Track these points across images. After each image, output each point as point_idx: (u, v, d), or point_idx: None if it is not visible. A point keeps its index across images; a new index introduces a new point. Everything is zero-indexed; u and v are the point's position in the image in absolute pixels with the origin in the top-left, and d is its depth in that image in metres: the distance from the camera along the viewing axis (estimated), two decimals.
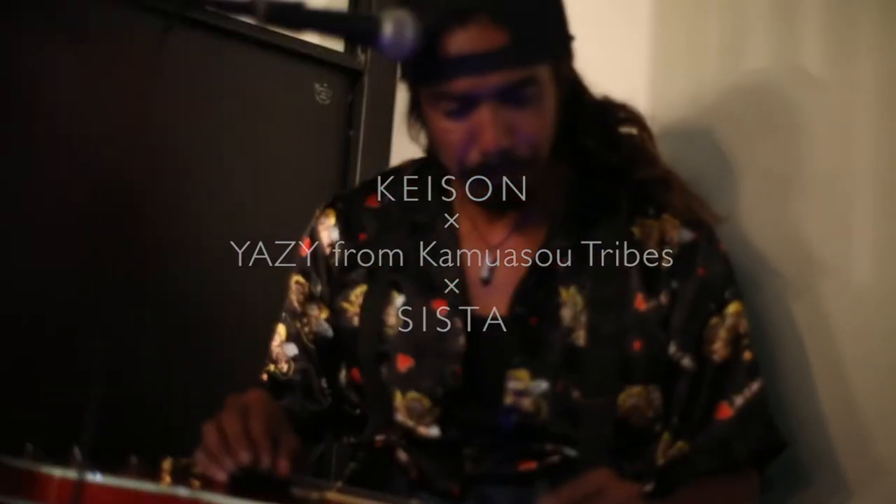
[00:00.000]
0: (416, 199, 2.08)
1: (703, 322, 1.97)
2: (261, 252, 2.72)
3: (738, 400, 1.96)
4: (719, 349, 1.97)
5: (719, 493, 1.96)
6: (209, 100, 2.70)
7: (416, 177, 2.11)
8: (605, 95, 2.07)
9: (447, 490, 1.92)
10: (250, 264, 2.73)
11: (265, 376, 2.15)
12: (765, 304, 2.16)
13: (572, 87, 1.98)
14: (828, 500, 2.09)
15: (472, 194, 1.95)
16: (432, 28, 1.79)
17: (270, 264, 2.54)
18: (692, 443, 1.95)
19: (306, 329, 2.11)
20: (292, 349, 2.13)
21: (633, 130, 2.07)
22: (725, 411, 1.96)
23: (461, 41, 1.80)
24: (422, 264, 2.01)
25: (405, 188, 2.10)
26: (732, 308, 1.99)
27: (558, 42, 1.92)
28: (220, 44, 2.71)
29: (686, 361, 1.95)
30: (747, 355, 1.98)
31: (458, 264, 2.00)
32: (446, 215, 2.04)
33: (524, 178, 1.89)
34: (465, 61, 1.81)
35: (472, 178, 1.90)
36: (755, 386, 1.97)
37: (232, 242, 2.72)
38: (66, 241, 2.42)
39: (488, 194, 1.91)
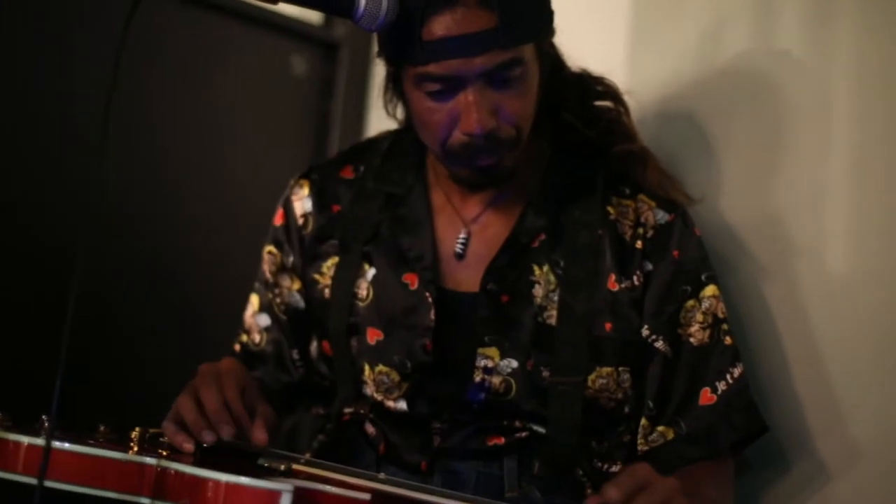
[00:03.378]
0: (391, 172, 2.07)
1: (678, 305, 1.96)
2: (236, 222, 2.71)
3: (721, 386, 1.95)
4: (696, 332, 1.96)
5: (709, 479, 1.95)
6: (185, 71, 2.69)
7: (391, 149, 2.10)
8: (583, 69, 2.06)
9: (415, 464, 1.92)
10: (225, 235, 2.72)
11: (238, 346, 2.15)
12: (739, 287, 2.16)
13: (552, 62, 1.98)
14: (805, 484, 2.09)
15: (454, 174, 1.94)
16: (419, 8, 1.79)
17: (246, 235, 2.52)
18: (677, 429, 1.95)
19: (278, 300, 2.10)
20: (265, 319, 2.12)
21: (610, 104, 2.07)
22: (708, 397, 1.95)
23: (448, 23, 1.79)
24: (394, 237, 2.00)
25: (380, 160, 2.09)
26: (709, 291, 1.98)
27: (543, 21, 1.91)
28: (196, 15, 2.69)
29: (660, 344, 1.95)
30: (728, 340, 1.98)
31: (432, 238, 1.99)
32: (421, 189, 2.03)
33: (508, 158, 1.89)
34: (451, 43, 1.80)
35: (455, 159, 1.89)
36: (737, 371, 1.97)
37: (207, 212, 2.71)
38: (38, 214, 2.41)
39: (471, 175, 1.91)
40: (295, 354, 2.10)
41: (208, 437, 1.70)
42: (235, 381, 1.78)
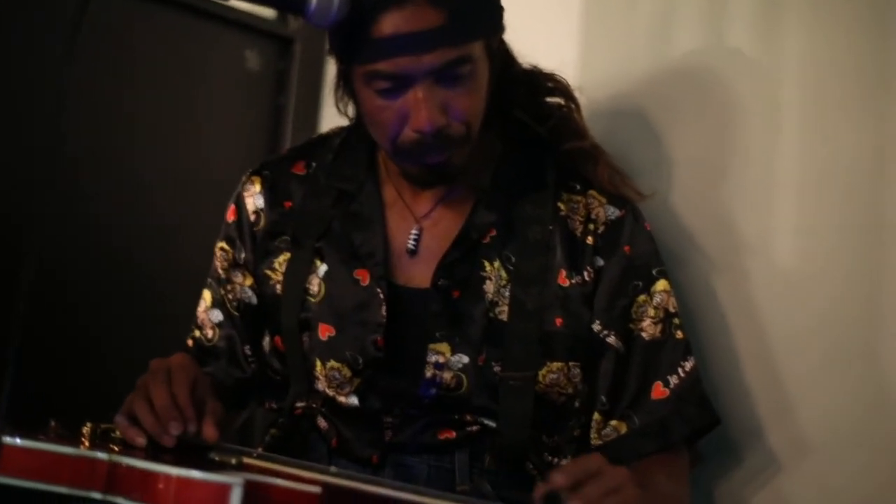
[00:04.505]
0: (343, 168, 2.07)
1: (630, 300, 1.98)
2: (190, 216, 2.71)
3: (673, 380, 1.97)
4: (648, 327, 1.98)
5: (663, 472, 1.96)
6: (138, 66, 2.68)
7: (343, 145, 2.10)
8: (534, 65, 2.07)
9: (366, 458, 1.92)
10: (180, 228, 2.71)
11: (190, 342, 2.14)
12: (689, 282, 2.17)
13: (502, 59, 1.98)
14: (757, 475, 2.11)
15: (405, 172, 1.95)
16: (369, 6, 1.79)
17: (200, 229, 2.52)
18: (630, 423, 1.96)
19: (230, 296, 2.10)
20: (217, 315, 2.12)
21: (561, 101, 2.07)
22: (661, 391, 1.97)
23: (396, 21, 1.80)
24: (346, 233, 2.01)
25: (332, 156, 2.09)
26: (660, 286, 2.00)
27: (492, 18, 1.92)
28: (149, 9, 2.69)
29: (612, 339, 1.96)
30: (679, 335, 1.99)
31: (383, 234, 2.00)
32: (372, 185, 2.04)
33: (458, 155, 1.89)
34: (400, 41, 1.80)
35: (405, 156, 1.90)
36: (688, 365, 1.98)
37: (161, 206, 2.71)
38: None
39: (421, 172, 1.92)
40: (248, 350, 2.10)
41: (166, 440, 1.70)
42: (185, 377, 1.78)
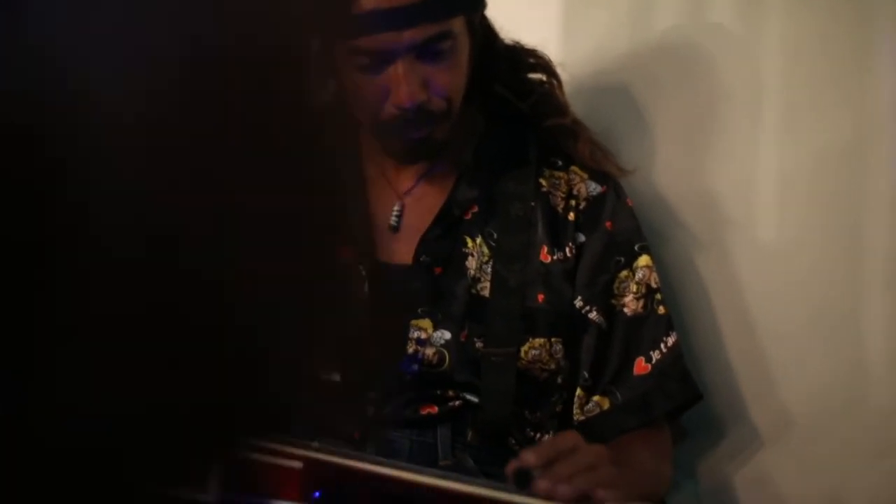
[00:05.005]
0: None
1: (611, 276, 1.98)
2: None
3: (655, 355, 1.97)
4: (630, 303, 1.98)
5: (646, 448, 1.96)
6: None
7: None
8: (516, 41, 2.07)
9: (348, 433, 1.92)
10: None
11: None
12: (672, 258, 2.17)
13: (484, 34, 1.98)
14: (740, 451, 2.12)
15: (386, 148, 1.95)
16: None
17: None
18: (613, 399, 1.96)
19: None
20: None
21: (543, 77, 2.07)
22: (643, 367, 1.97)
23: None
24: None
25: None
26: (642, 261, 2.00)
27: None
28: None
29: (594, 315, 1.96)
30: (661, 310, 1.99)
31: (365, 211, 1.99)
32: (354, 160, 2.02)
33: (439, 130, 1.89)
34: (381, 16, 1.79)
35: (386, 132, 1.90)
36: (671, 340, 1.98)
37: None
38: None
39: (403, 148, 1.92)
40: None
41: None
42: None
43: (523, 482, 1.52)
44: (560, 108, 2.05)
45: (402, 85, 1.82)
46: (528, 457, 1.55)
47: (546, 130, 2.03)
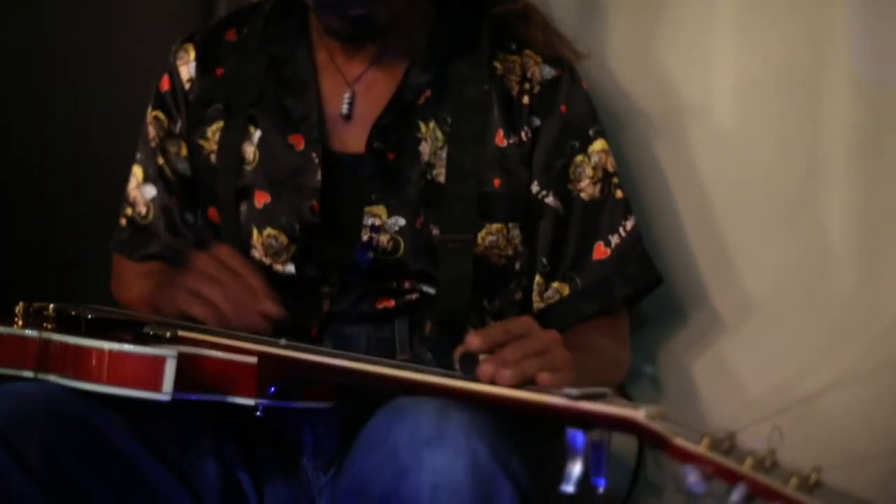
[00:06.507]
0: (275, 33, 2.03)
1: (567, 160, 1.96)
2: (121, 92, 2.66)
3: (614, 239, 1.96)
4: (587, 187, 1.96)
5: (605, 333, 1.95)
6: None
7: (274, 10, 2.05)
8: None
9: (305, 329, 1.90)
10: (110, 105, 2.67)
11: (123, 220, 2.11)
12: (630, 144, 2.16)
13: None
14: (701, 336, 2.13)
15: (328, 27, 1.90)
16: None
17: (130, 105, 2.48)
18: (572, 285, 1.95)
19: (168, 165, 2.06)
20: (150, 191, 2.07)
21: None
22: (602, 251, 1.96)
23: None
24: (279, 99, 1.97)
25: (263, 21, 2.05)
26: (598, 146, 1.97)
27: None
28: None
29: (550, 200, 1.94)
30: (619, 194, 1.98)
31: (317, 99, 1.96)
32: (304, 49, 1.99)
33: (380, 9, 1.85)
34: None
35: (326, 8, 1.86)
36: (629, 224, 1.97)
37: (90, 83, 2.67)
38: None
39: (342, 26, 1.88)
40: (188, 217, 2.06)
41: (262, 324, 1.75)
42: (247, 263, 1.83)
43: (468, 367, 1.48)
44: None
45: None
46: (474, 340, 1.50)
47: (498, 16, 1.99)
